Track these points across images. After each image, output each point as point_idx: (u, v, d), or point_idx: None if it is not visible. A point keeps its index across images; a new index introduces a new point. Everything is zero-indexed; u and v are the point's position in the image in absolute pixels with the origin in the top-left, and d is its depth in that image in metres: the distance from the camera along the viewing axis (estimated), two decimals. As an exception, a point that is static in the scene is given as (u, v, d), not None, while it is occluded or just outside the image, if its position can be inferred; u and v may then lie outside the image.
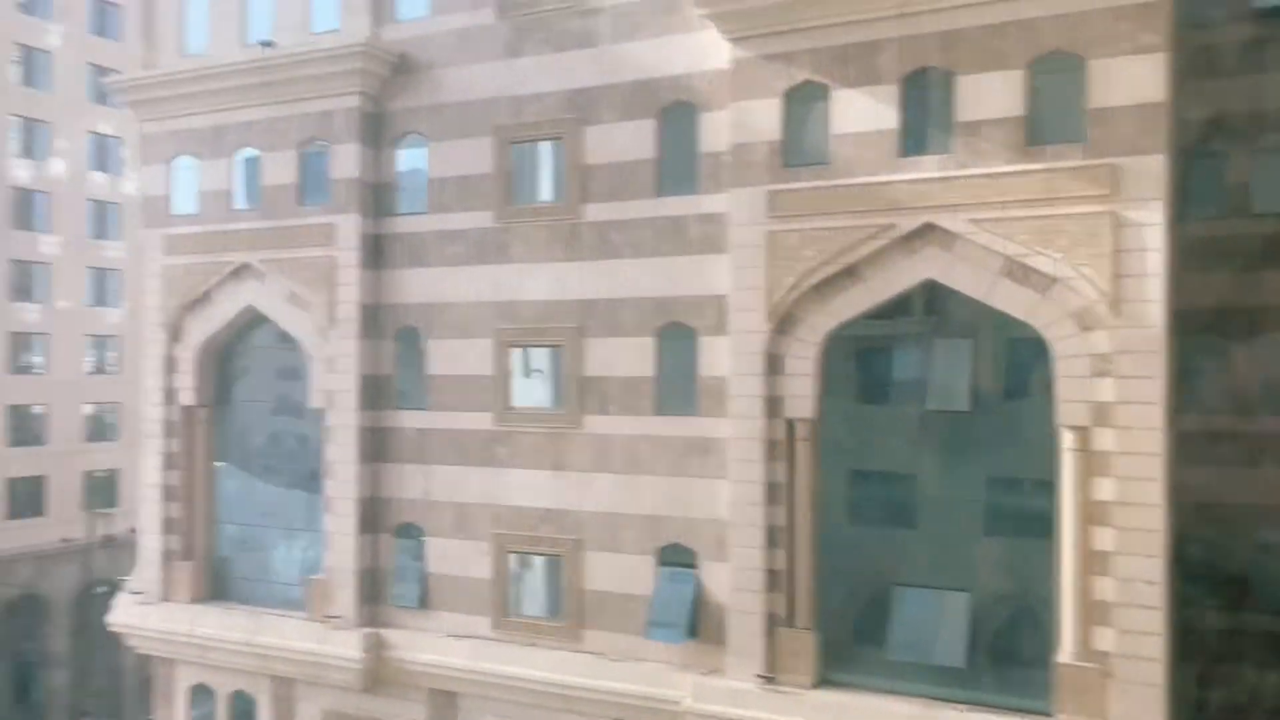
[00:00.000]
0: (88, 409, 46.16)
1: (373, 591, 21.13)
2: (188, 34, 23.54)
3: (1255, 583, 17.17)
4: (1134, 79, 14.72)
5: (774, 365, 17.03)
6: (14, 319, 43.63)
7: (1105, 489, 14.91)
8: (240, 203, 22.62)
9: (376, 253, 21.24)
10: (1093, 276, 14.85)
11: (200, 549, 23.31)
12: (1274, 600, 17.05)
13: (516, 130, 19.85)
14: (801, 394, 16.90)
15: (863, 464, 17.23)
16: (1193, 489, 16.47)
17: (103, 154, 47.42)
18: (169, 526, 23.30)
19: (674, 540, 18.33)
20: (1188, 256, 16.42)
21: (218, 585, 23.31)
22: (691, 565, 18.16)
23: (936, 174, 15.88)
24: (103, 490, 45.74)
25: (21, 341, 44.04)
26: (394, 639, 20.61)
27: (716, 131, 17.90)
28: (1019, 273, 15.42)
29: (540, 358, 19.85)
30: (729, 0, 16.93)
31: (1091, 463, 15.02)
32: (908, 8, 15.98)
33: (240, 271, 22.40)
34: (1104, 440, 14.91)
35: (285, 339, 22.43)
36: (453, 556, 20.46)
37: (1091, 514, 15.00)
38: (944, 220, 15.79)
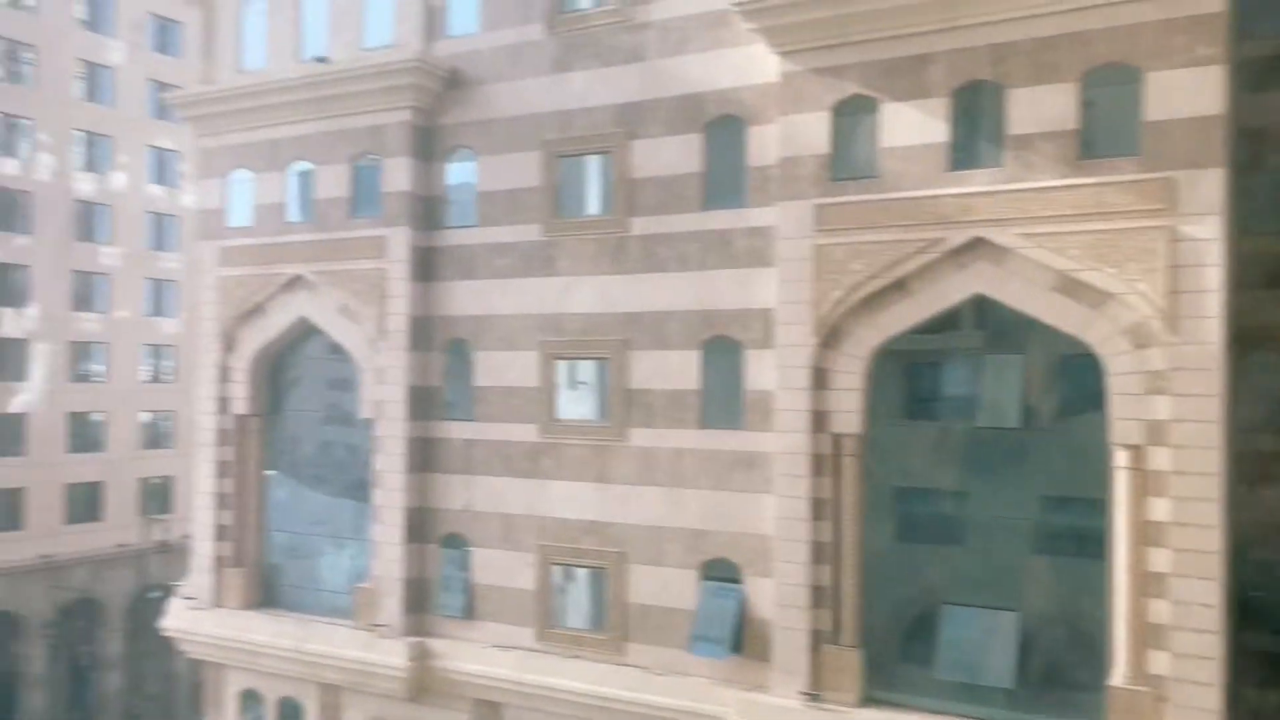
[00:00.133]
0: (144, 417, 47.19)
1: (419, 600, 21.32)
2: (245, 51, 24.07)
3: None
4: (1191, 92, 14.48)
5: (820, 379, 16.94)
6: (75, 328, 44.76)
7: (1160, 509, 14.61)
8: (294, 215, 23.04)
9: (426, 265, 21.50)
10: (1147, 292, 14.60)
11: (251, 556, 23.69)
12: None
13: (565, 144, 20.01)
14: (848, 409, 16.79)
15: (910, 480, 17.05)
16: (1251, 509, 16.07)
17: (162, 168, 48.58)
18: (221, 533, 23.73)
19: (718, 555, 18.27)
20: (1247, 272, 16.07)
21: (268, 592, 23.67)
22: (736, 580, 18.09)
23: (987, 188, 15.72)
24: (158, 496, 46.68)
25: (82, 350, 45.17)
26: (439, 648, 20.76)
27: (764, 145, 17.89)
28: (1071, 288, 15.21)
29: (586, 370, 19.93)
30: (778, 14, 16.94)
31: (1146, 482, 14.74)
32: (958, 21, 15.87)
33: (293, 283, 22.80)
34: (1159, 459, 14.62)
35: (336, 350, 22.78)
36: (497, 567, 20.58)
37: (1146, 534, 14.70)
38: (994, 234, 15.63)
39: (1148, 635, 14.62)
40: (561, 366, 20.12)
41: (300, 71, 22.52)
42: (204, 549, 23.92)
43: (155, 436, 47.61)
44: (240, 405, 23.60)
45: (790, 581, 16.97)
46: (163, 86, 45.37)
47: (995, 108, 15.83)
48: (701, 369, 18.58)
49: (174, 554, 40.45)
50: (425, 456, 21.43)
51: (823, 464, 16.91)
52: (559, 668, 19.37)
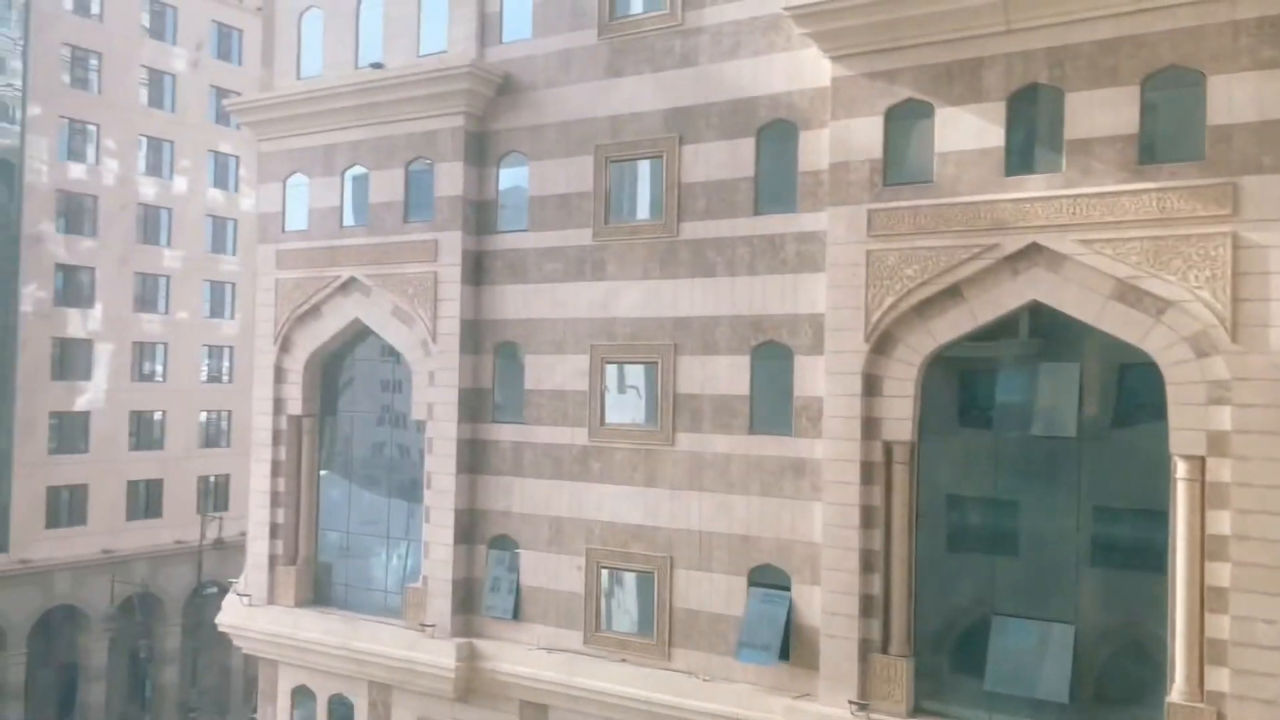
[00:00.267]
0: (202, 416, 48.17)
1: (467, 601, 21.49)
2: (303, 58, 24.49)
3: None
4: (1256, 95, 14.12)
5: (871, 386, 16.79)
6: (138, 329, 45.85)
7: (1221, 522, 14.25)
8: (349, 219, 23.37)
9: (477, 269, 21.70)
10: (1210, 300, 14.26)
11: (304, 554, 24.06)
12: None
13: (616, 149, 20.08)
14: (900, 416, 16.62)
15: (962, 489, 16.84)
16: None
17: (222, 172, 49.60)
18: (275, 532, 24.13)
19: (766, 561, 18.18)
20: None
21: (320, 590, 24.02)
22: (784, 587, 17.98)
23: (1044, 193, 15.48)
24: (215, 494, 47.60)
25: (144, 350, 46.23)
26: (487, 649, 20.91)
27: (816, 150, 17.79)
28: (1131, 295, 14.91)
29: (635, 374, 19.96)
30: (831, 18, 16.84)
31: (1207, 494, 14.39)
32: (1015, 24, 15.66)
33: (347, 286, 23.14)
34: (1221, 471, 14.27)
35: (389, 352, 23.08)
36: (545, 569, 20.68)
37: (1206, 548, 14.34)
38: (1051, 241, 15.38)
39: (1208, 651, 14.27)
40: (611, 371, 20.17)
41: (356, 78, 22.87)
42: (258, 547, 24.34)
43: (213, 435, 48.58)
44: (295, 406, 23.99)
45: (839, 589, 16.83)
46: (223, 93, 46.30)
47: (1053, 112, 15.58)
48: (751, 374, 18.51)
49: (230, 551, 41.17)
50: (475, 458, 21.61)
51: (873, 472, 16.75)
52: (606, 671, 19.40)
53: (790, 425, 18.02)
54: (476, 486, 21.60)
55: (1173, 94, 14.81)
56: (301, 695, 23.76)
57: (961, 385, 16.90)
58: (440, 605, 21.42)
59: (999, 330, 16.36)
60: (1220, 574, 14.21)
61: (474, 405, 21.64)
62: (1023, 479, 16.22)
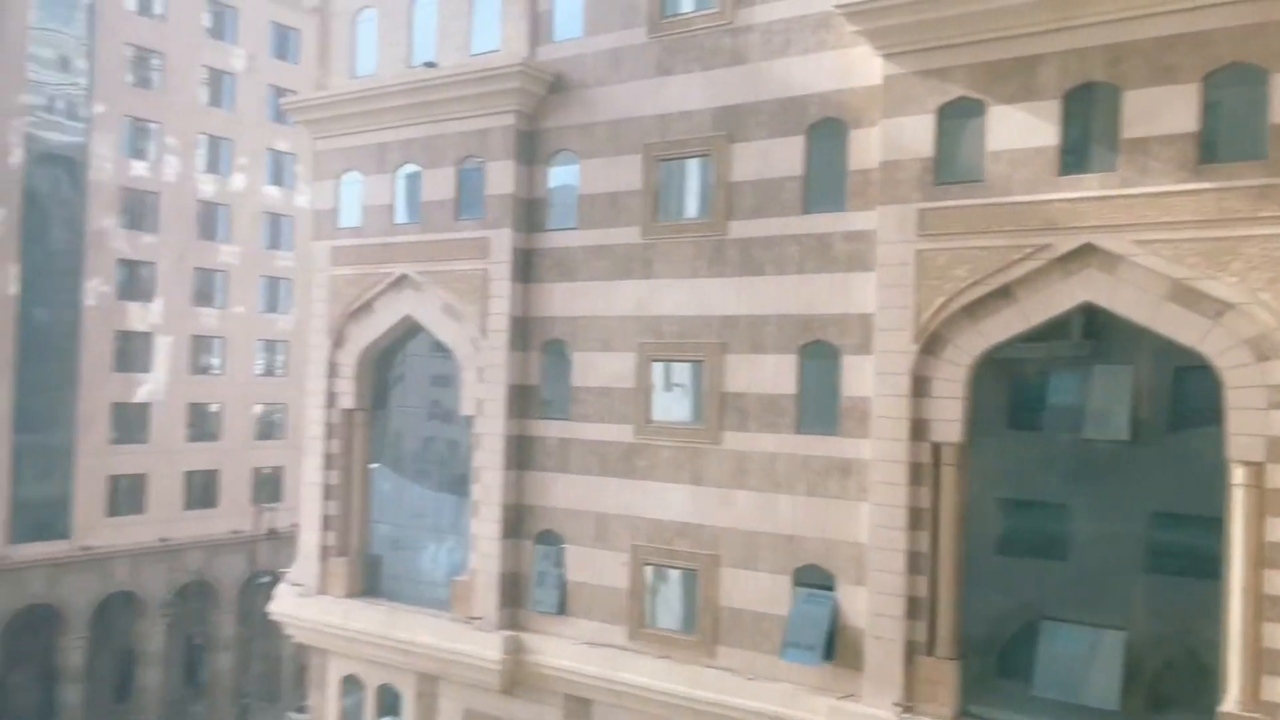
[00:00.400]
0: (258, 409, 49.11)
1: (514, 595, 21.69)
2: (358, 57, 24.86)
3: None
4: (1322, 92, 13.79)
5: (920, 387, 16.65)
6: (196, 323, 46.89)
7: (1280, 530, 13.96)
8: (401, 217, 23.68)
9: (527, 266, 21.87)
10: (1272, 303, 13.95)
11: (355, 546, 24.44)
12: None
13: (665, 147, 20.12)
14: (949, 417, 16.46)
15: (1012, 492, 16.65)
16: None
17: (279, 169, 50.50)
18: (327, 523, 24.53)
19: (811, 561, 18.12)
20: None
21: (370, 581, 24.38)
22: (829, 587, 17.91)
23: (1099, 192, 15.24)
24: (269, 486, 48.53)
25: (201, 344, 47.25)
26: (532, 643, 21.09)
27: (866, 148, 17.69)
28: (1188, 297, 14.63)
29: (682, 372, 20.00)
30: (882, 16, 16.72)
31: (1265, 501, 14.08)
32: (1071, 21, 15.42)
33: (400, 282, 23.45)
34: (1280, 477, 13.97)
35: (439, 348, 23.35)
36: (591, 565, 20.80)
37: (1264, 555, 14.04)
38: (1106, 241, 15.13)
39: (1264, 660, 13.96)
40: (658, 368, 20.23)
41: (409, 77, 23.16)
42: (310, 538, 24.77)
43: (267, 428, 49.51)
44: (347, 400, 24.37)
45: (885, 591, 16.73)
46: (280, 92, 47.12)
47: (1109, 110, 15.33)
48: (798, 373, 18.46)
49: (283, 541, 42.00)
50: (523, 454, 21.79)
51: (921, 473, 16.62)
52: (649, 667, 19.47)
53: (837, 425, 17.93)
54: (523, 482, 21.79)
55: (1234, 92, 14.50)
56: (350, 684, 24.15)
57: (1012, 387, 16.71)
58: (487, 599, 21.65)
59: (1050, 331, 16.13)
60: (1278, 583, 13.90)
61: (522, 401, 21.82)
62: (1074, 482, 15.99)
